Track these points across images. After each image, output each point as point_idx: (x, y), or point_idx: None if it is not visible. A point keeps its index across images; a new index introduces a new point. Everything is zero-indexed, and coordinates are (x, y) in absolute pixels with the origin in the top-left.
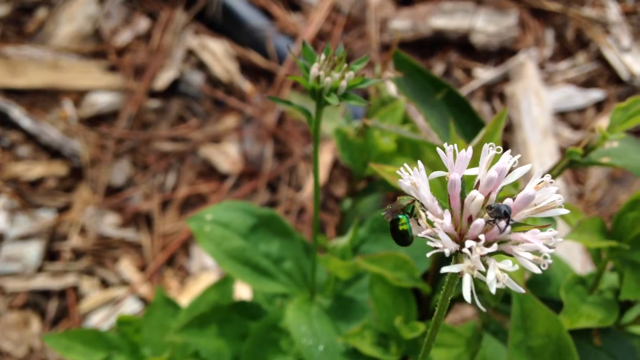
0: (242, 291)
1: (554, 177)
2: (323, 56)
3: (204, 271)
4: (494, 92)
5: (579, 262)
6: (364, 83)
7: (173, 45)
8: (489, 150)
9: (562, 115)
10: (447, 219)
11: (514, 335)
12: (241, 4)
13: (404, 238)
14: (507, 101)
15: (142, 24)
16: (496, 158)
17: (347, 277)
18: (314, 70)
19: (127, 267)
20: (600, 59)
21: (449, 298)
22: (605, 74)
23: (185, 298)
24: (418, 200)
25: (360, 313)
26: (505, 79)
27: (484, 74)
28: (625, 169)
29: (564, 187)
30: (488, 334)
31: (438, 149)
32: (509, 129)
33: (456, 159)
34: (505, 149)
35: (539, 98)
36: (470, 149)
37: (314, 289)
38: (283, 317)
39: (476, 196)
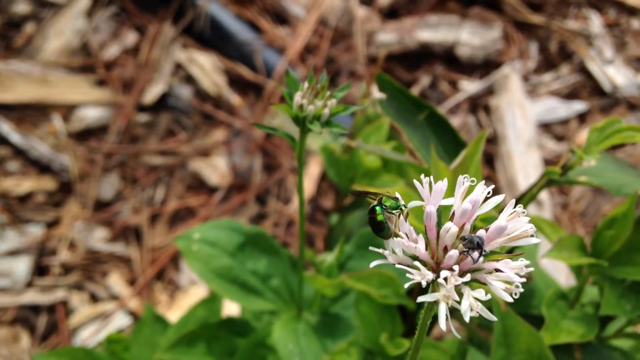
0: (232, 307)
1: (534, 196)
2: (306, 84)
3: (194, 285)
4: (479, 104)
5: (564, 273)
6: (346, 110)
7: (161, 59)
8: (463, 182)
9: (545, 127)
10: (422, 245)
11: (496, 352)
12: (229, 18)
13: (381, 229)
14: (491, 113)
15: (130, 37)
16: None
17: (334, 294)
18: (297, 98)
19: (116, 281)
20: (583, 70)
21: (428, 322)
22: (588, 86)
23: (175, 312)
24: (401, 204)
25: (347, 329)
26: (490, 91)
27: (469, 86)
28: (602, 188)
29: (549, 198)
30: (473, 348)
31: (415, 181)
32: (494, 141)
33: (432, 191)
34: (489, 161)
35: (523, 110)
36: (445, 181)
37: (301, 305)
38: (270, 334)
39: (450, 228)
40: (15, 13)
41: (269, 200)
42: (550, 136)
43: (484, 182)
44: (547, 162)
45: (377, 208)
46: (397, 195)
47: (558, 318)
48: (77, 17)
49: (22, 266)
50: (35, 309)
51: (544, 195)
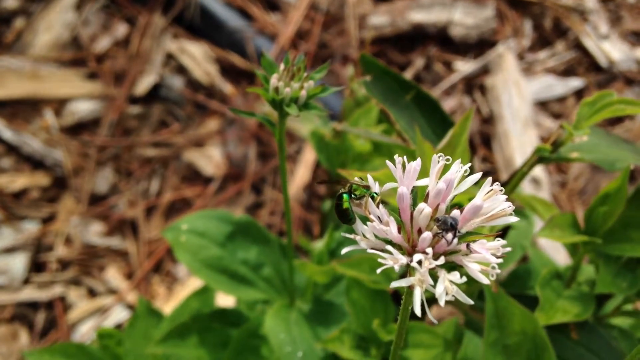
0: (227, 298)
1: (524, 174)
2: (282, 66)
3: (191, 276)
4: (474, 84)
5: (562, 252)
6: (324, 92)
7: (152, 50)
8: (438, 161)
9: (542, 105)
10: (393, 228)
11: (489, 334)
12: (219, 6)
13: (345, 216)
14: (487, 93)
15: (121, 29)
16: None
17: (326, 281)
18: (273, 81)
19: (113, 275)
20: (579, 47)
21: (410, 307)
22: (584, 62)
23: (173, 304)
24: (372, 191)
25: (340, 316)
26: (485, 70)
27: (464, 66)
28: (595, 164)
29: (547, 176)
30: (470, 331)
31: (387, 162)
32: (490, 121)
33: (405, 172)
34: (486, 142)
35: (519, 89)
36: (418, 161)
37: (293, 294)
38: (263, 323)
39: (424, 209)
40: (5, 8)
41: (265, 189)
42: (548, 114)
43: (460, 160)
44: (545, 140)
45: (344, 196)
46: (370, 180)
47: (553, 298)
48: (67, 11)
49: (18, 263)
50: (33, 305)
51: (541, 174)
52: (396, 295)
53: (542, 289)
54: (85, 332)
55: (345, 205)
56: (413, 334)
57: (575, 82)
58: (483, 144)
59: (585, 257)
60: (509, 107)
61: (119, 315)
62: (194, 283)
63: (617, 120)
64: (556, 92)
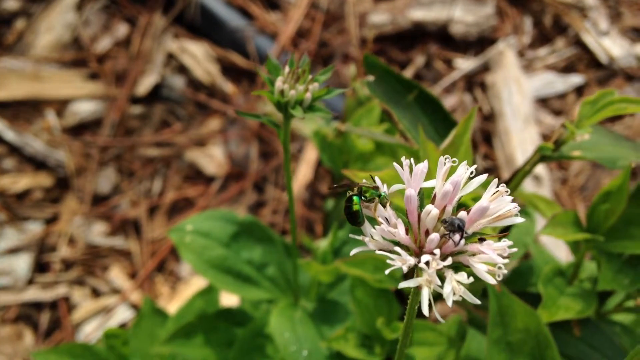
0: (231, 297)
1: (527, 172)
2: (287, 69)
3: (195, 275)
4: (475, 82)
5: (564, 249)
6: (329, 94)
7: (153, 50)
8: (445, 163)
9: (543, 102)
10: (401, 230)
11: (493, 332)
12: (219, 5)
13: (355, 218)
14: (488, 90)
15: (121, 29)
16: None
17: (330, 280)
18: (278, 83)
19: (117, 275)
20: (579, 43)
21: (416, 307)
22: (585, 59)
23: (177, 303)
24: (381, 192)
25: (344, 315)
26: (486, 68)
27: (465, 64)
28: (596, 162)
29: (547, 173)
30: (473, 328)
31: (395, 164)
32: (491, 118)
33: (412, 174)
34: (487, 139)
35: (519, 86)
36: (425, 163)
37: (297, 293)
38: (268, 322)
39: (431, 210)
40: (5, 9)
41: (267, 188)
42: (548, 111)
43: (466, 162)
44: (546, 137)
45: (355, 198)
46: (378, 182)
47: (555, 295)
48: (67, 11)
49: (22, 264)
50: (37, 306)
51: (542, 171)
52: (399, 293)
53: (545, 286)
54: (89, 332)
55: (356, 207)
56: (417, 332)
57: (576, 79)
58: (484, 141)
59: (587, 253)
60: (510, 104)
61: (123, 314)
62: (198, 282)
63: (616, 117)
64: (556, 88)
